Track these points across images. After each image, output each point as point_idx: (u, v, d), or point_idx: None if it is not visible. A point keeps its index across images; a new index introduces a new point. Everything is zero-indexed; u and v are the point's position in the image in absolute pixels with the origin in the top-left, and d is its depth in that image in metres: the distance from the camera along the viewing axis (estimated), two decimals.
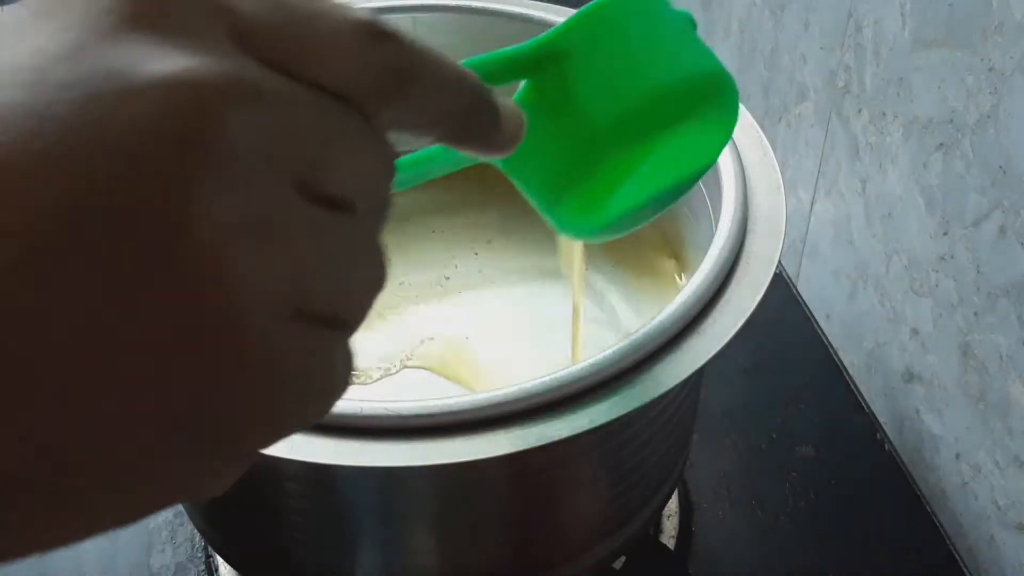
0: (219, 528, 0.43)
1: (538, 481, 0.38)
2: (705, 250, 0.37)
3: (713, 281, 0.35)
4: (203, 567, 0.49)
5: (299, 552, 0.40)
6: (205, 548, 0.50)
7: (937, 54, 0.50)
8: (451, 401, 0.32)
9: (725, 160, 0.40)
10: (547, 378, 0.32)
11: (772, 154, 0.41)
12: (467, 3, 0.49)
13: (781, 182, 0.40)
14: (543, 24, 0.48)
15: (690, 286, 0.35)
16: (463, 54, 0.55)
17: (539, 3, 0.49)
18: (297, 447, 0.31)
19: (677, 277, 0.48)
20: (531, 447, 0.31)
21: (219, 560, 0.49)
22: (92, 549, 0.49)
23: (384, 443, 0.31)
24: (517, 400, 0.32)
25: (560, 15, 0.48)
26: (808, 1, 0.63)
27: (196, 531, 0.50)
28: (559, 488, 0.39)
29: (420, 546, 0.40)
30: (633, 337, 0.33)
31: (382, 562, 0.40)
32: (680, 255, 0.48)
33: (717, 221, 0.38)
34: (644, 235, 0.50)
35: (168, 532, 0.50)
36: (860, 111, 0.58)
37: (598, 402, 0.32)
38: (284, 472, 0.37)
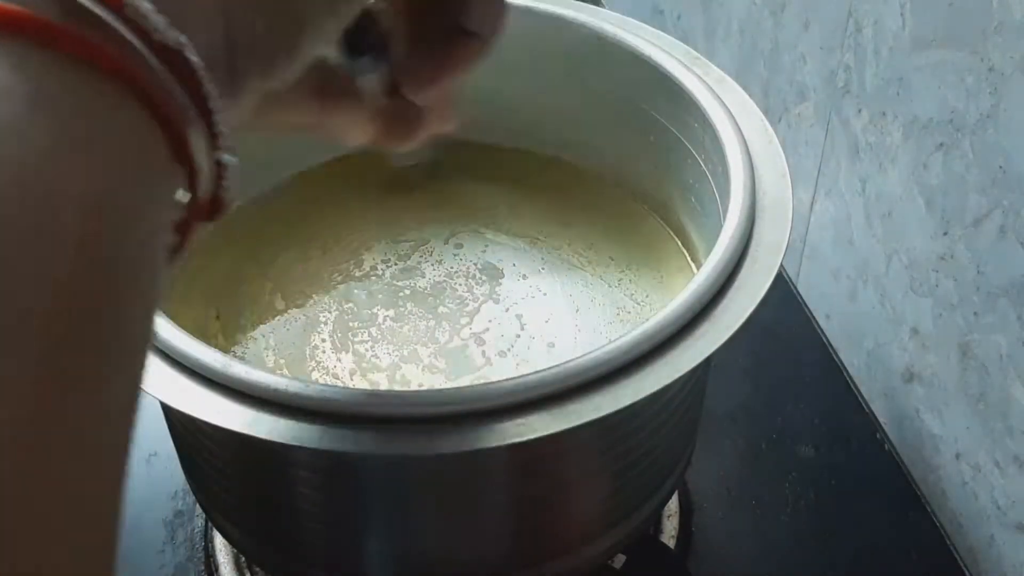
0: (233, 519, 0.43)
1: (546, 471, 0.38)
2: (713, 239, 0.37)
3: (723, 270, 0.36)
4: (203, 567, 0.49)
5: (310, 540, 0.40)
6: (205, 548, 0.50)
7: (937, 54, 0.50)
8: (463, 390, 0.32)
9: (733, 149, 0.40)
10: (560, 367, 0.32)
11: (777, 142, 0.42)
12: None
13: (787, 169, 0.40)
14: (549, 17, 0.48)
15: (701, 274, 0.35)
16: None
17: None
18: (311, 436, 0.31)
19: (685, 266, 0.48)
20: (545, 435, 0.31)
21: (219, 560, 0.49)
22: None
23: (396, 431, 0.31)
24: (530, 389, 0.32)
25: (567, 7, 0.48)
26: (808, 1, 0.63)
27: (196, 531, 0.50)
28: (568, 478, 0.39)
29: (425, 536, 0.40)
30: (646, 325, 0.33)
31: (388, 551, 0.40)
32: (687, 244, 0.48)
33: (725, 210, 0.39)
34: (651, 225, 0.50)
35: (168, 532, 0.50)
36: (860, 111, 0.58)
37: (613, 390, 0.32)
38: (297, 461, 0.37)
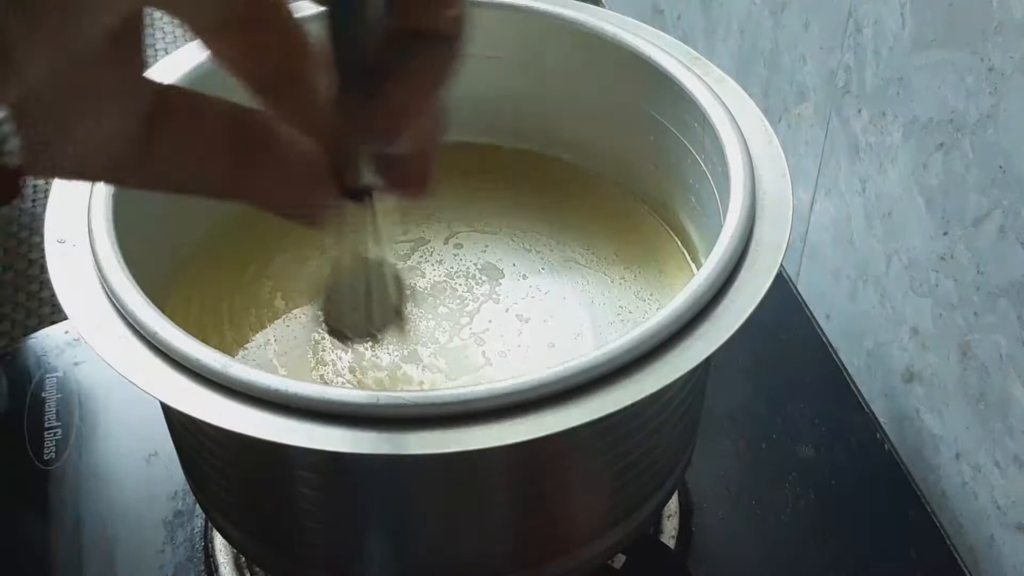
0: (233, 519, 0.43)
1: (546, 471, 0.38)
2: (713, 239, 0.37)
3: (723, 270, 0.36)
4: (203, 567, 0.49)
5: (310, 540, 0.41)
6: (205, 548, 0.50)
7: (937, 54, 0.50)
8: (465, 391, 0.32)
9: (733, 149, 0.40)
10: (560, 367, 0.32)
11: (777, 142, 0.42)
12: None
13: (787, 169, 0.41)
14: (549, 17, 0.48)
15: (701, 274, 0.35)
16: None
17: None
18: (311, 436, 0.31)
19: (685, 266, 0.48)
20: (545, 434, 0.31)
21: (219, 560, 0.49)
22: (91, 547, 0.49)
23: (396, 431, 0.31)
24: (530, 389, 0.32)
25: (567, 7, 0.48)
26: (808, 1, 0.63)
27: (196, 531, 0.50)
28: (568, 478, 0.39)
29: (425, 536, 0.40)
30: (646, 325, 0.33)
31: (387, 551, 0.40)
32: (687, 244, 0.48)
33: (725, 210, 0.39)
34: (651, 225, 0.50)
35: (168, 532, 0.50)
36: (860, 111, 0.58)
37: (613, 390, 0.32)
38: (297, 461, 0.37)
